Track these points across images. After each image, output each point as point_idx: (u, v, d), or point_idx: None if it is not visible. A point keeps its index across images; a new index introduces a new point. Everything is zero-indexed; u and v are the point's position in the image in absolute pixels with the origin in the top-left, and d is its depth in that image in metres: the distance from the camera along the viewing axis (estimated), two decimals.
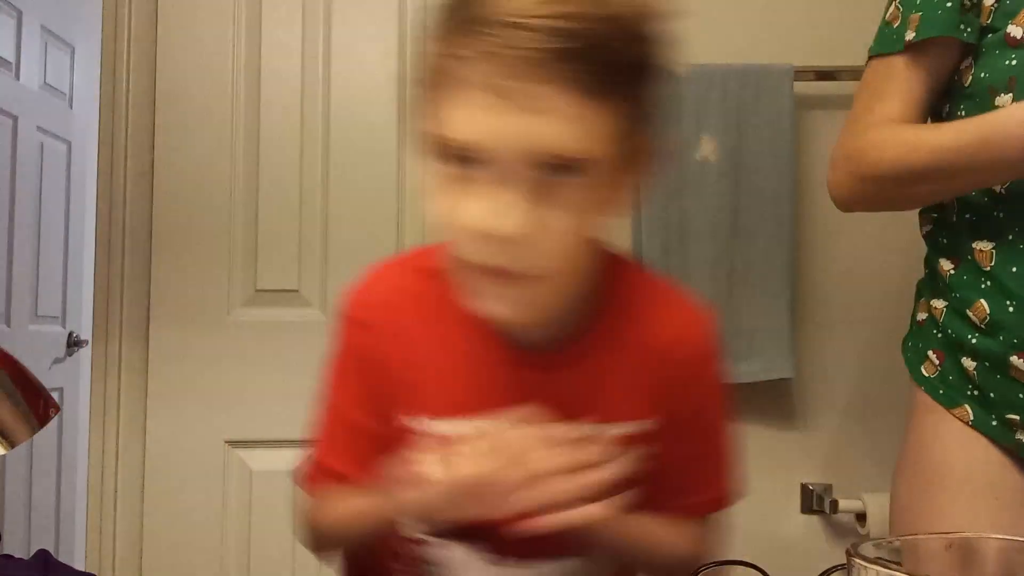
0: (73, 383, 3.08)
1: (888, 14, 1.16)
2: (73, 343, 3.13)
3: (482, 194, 0.72)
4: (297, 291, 1.79)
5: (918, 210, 1.24)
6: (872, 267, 1.80)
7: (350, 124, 1.76)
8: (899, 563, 0.51)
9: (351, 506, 0.86)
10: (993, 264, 1.08)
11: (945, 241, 1.17)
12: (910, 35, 1.11)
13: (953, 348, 1.15)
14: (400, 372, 0.85)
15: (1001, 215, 1.07)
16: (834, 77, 1.77)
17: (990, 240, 1.09)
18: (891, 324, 1.81)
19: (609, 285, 0.86)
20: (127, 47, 1.75)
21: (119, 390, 1.76)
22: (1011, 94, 1.04)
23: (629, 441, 0.84)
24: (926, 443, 1.17)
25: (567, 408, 0.80)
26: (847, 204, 1.20)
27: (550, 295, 0.78)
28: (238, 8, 1.75)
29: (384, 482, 0.79)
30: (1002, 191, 1.07)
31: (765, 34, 1.81)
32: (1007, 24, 1.05)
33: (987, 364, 1.10)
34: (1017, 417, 1.09)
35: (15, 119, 2.76)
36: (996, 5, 1.07)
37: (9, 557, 1.01)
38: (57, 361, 3.05)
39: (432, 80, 0.75)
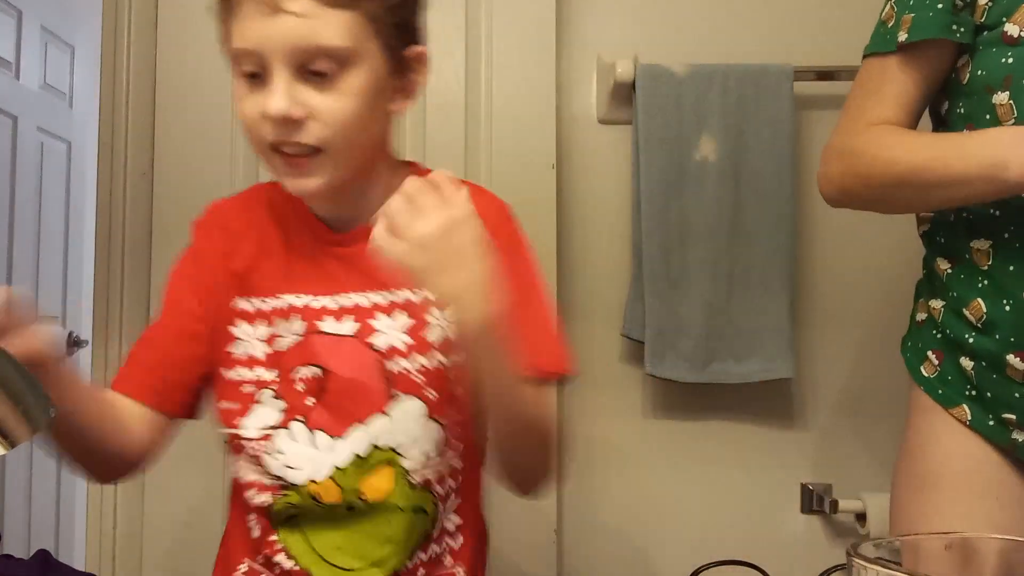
0: None
1: (883, 13, 1.16)
2: (73, 343, 3.13)
3: (263, 88, 0.91)
4: None
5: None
6: (872, 267, 1.80)
7: None
8: (899, 563, 0.51)
9: None
10: (991, 263, 1.08)
11: (942, 240, 1.17)
12: (903, 36, 1.11)
13: (952, 348, 1.15)
14: (236, 263, 1.02)
15: (998, 213, 1.07)
16: (834, 77, 1.76)
17: (987, 239, 1.09)
18: (891, 324, 1.80)
19: (408, 178, 0.96)
20: (127, 47, 1.75)
21: None
22: (1007, 92, 1.04)
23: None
24: (925, 443, 1.17)
25: (374, 277, 0.96)
26: (837, 200, 1.20)
27: (333, 166, 0.94)
28: None
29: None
30: None
31: (765, 34, 1.81)
32: (1003, 22, 1.05)
33: (984, 363, 1.10)
34: (1013, 416, 1.09)
35: (15, 119, 2.76)
36: (990, 3, 1.07)
37: (9, 557, 1.01)
38: None
39: (220, 6, 0.94)
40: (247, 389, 1.00)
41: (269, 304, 1.01)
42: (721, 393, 1.75)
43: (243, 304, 1.02)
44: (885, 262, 1.81)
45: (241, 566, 1.03)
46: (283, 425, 0.99)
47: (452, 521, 1.04)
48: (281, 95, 0.90)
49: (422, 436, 0.98)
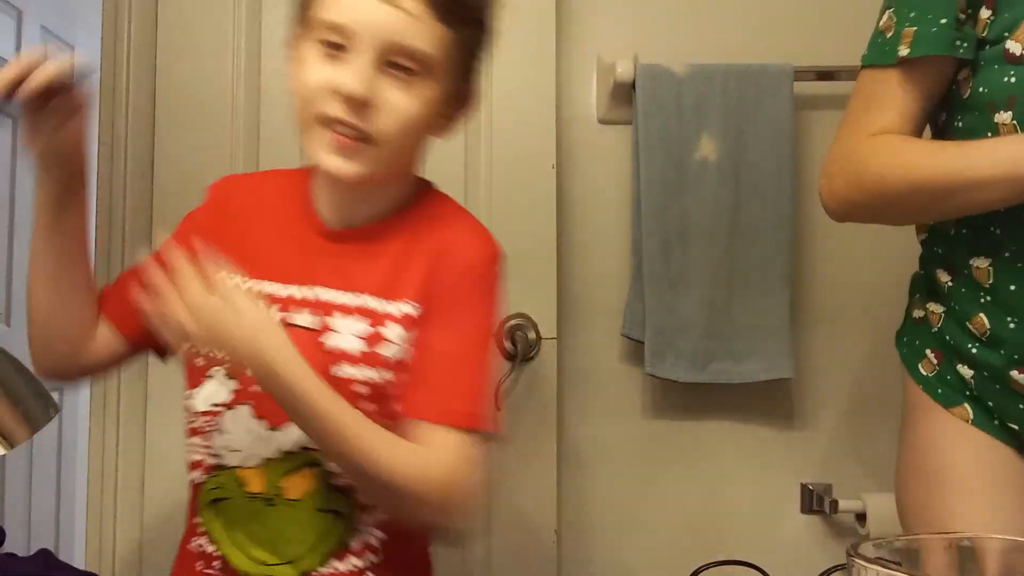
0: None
1: (882, 22, 1.13)
2: None
3: (340, 64, 0.93)
4: None
5: None
6: (872, 267, 1.80)
7: None
8: (899, 563, 0.51)
9: None
10: (992, 282, 1.07)
11: (940, 252, 1.15)
12: (904, 50, 1.08)
13: (951, 352, 1.14)
14: (220, 240, 1.00)
15: (998, 231, 1.06)
16: (834, 77, 1.76)
17: (987, 256, 1.07)
18: (891, 324, 1.80)
19: (416, 197, 1.06)
20: (127, 47, 1.75)
21: (119, 390, 1.76)
22: (1010, 112, 1.02)
23: (400, 321, 0.99)
24: (932, 442, 1.15)
25: (349, 278, 1.00)
26: (843, 213, 1.17)
27: (376, 161, 0.96)
28: (238, 8, 1.74)
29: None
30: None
31: (765, 34, 1.81)
32: (1005, 38, 1.03)
33: (986, 374, 1.09)
34: (1016, 427, 1.08)
35: (15, 119, 2.76)
36: (993, 18, 1.04)
37: (12, 556, 1.01)
38: None
39: None
40: (200, 363, 1.02)
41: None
42: (721, 393, 1.75)
43: None
44: (885, 262, 1.80)
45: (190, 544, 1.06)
46: (230, 405, 1.01)
47: (376, 536, 1.01)
48: (363, 77, 0.92)
49: None
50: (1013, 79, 1.01)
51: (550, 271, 1.70)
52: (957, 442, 1.12)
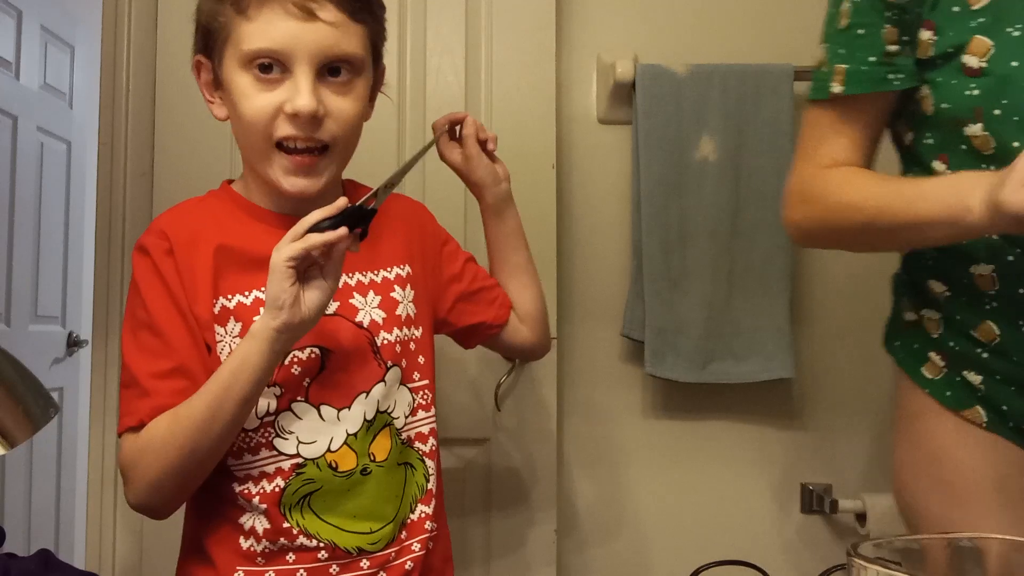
0: (73, 383, 3.08)
1: (818, 57, 1.13)
2: (73, 343, 3.13)
3: (284, 87, 0.98)
4: None
5: None
6: (872, 267, 1.80)
7: None
8: (899, 563, 0.51)
9: (203, 397, 0.98)
10: (998, 288, 1.05)
11: (931, 262, 1.13)
12: (837, 88, 1.08)
13: (958, 358, 1.11)
14: (196, 272, 1.02)
15: (996, 236, 1.03)
16: None
17: (988, 263, 1.05)
18: None
19: (343, 184, 1.15)
20: (127, 47, 1.75)
21: (119, 390, 1.76)
22: (979, 124, 1.00)
23: (397, 282, 1.11)
24: (946, 453, 1.11)
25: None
26: (803, 243, 1.22)
27: (332, 166, 1.04)
28: None
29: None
30: None
31: (765, 34, 1.81)
32: (957, 54, 1.01)
33: (998, 378, 1.07)
34: None
35: (15, 119, 2.76)
36: (935, 37, 1.03)
37: (12, 556, 1.01)
38: (57, 361, 3.05)
39: (235, 6, 0.99)
40: None
41: (249, 298, 1.03)
42: (721, 393, 1.75)
43: (220, 305, 1.03)
44: (885, 262, 1.80)
45: (236, 575, 1.03)
46: (283, 408, 1.03)
47: (433, 481, 1.13)
48: (309, 94, 0.98)
49: (400, 399, 1.09)
50: (976, 91, 1.00)
51: (550, 271, 1.70)
52: (975, 451, 1.09)
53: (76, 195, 3.15)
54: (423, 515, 1.10)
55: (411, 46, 1.73)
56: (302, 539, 1.03)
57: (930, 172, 1.08)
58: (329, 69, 1.00)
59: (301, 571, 1.03)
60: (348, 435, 1.04)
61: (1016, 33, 0.99)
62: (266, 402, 1.02)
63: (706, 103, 1.72)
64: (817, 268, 1.80)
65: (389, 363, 1.08)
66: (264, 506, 1.02)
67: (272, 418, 1.03)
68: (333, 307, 1.05)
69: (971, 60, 1.01)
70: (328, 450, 1.03)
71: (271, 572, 1.03)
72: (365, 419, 1.05)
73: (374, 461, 1.06)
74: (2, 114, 2.71)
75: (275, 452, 1.03)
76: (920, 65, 1.06)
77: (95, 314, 1.77)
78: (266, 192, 1.08)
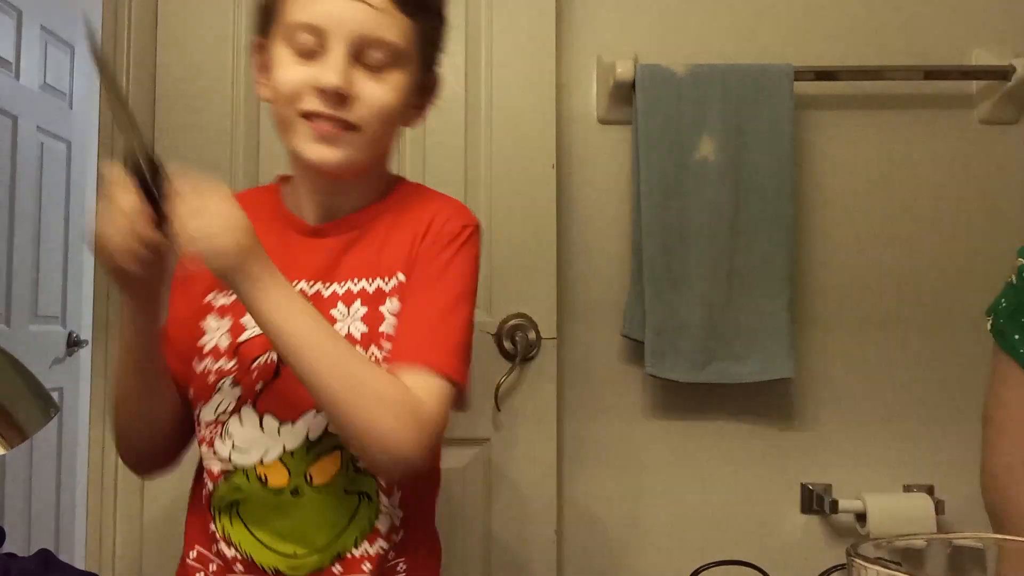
0: (73, 383, 3.08)
1: None
2: (73, 343, 3.13)
3: (318, 63, 0.97)
4: None
5: None
6: (872, 267, 1.80)
7: None
8: (899, 563, 0.51)
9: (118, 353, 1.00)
10: None
11: None
12: None
13: None
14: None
15: None
16: (834, 77, 1.77)
17: None
18: (890, 324, 1.81)
19: (393, 189, 1.10)
20: (127, 47, 1.75)
21: None
22: None
23: (390, 294, 1.03)
24: None
25: (339, 268, 1.04)
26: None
27: (357, 148, 1.00)
28: (237, 7, 1.75)
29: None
30: None
31: (765, 34, 1.81)
32: None
33: None
34: None
35: (15, 119, 2.76)
36: None
37: (12, 556, 1.01)
38: (57, 361, 3.05)
39: None
40: (211, 379, 1.03)
41: (233, 297, 1.02)
42: (721, 393, 1.75)
43: (211, 298, 1.06)
44: (885, 262, 1.81)
45: (192, 552, 1.08)
46: (235, 410, 1.02)
47: (397, 515, 1.04)
48: (340, 71, 0.96)
49: None
50: None
51: (550, 271, 1.70)
52: None
53: (76, 195, 3.15)
54: (365, 555, 1.01)
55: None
56: (222, 545, 1.03)
57: None
58: (368, 53, 0.99)
59: None
60: (284, 451, 1.00)
61: None
62: (226, 398, 1.02)
63: (706, 103, 1.72)
64: (817, 268, 1.80)
65: None
66: (204, 503, 1.05)
67: (225, 418, 1.02)
68: None
69: None
70: (260, 462, 1.00)
71: (200, 571, 1.06)
72: (308, 438, 1.00)
73: (310, 484, 1.00)
74: (2, 114, 2.71)
75: (213, 452, 1.03)
76: None
77: (95, 314, 1.77)
78: (301, 195, 1.07)
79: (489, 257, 1.64)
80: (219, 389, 1.03)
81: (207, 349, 1.04)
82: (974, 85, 1.82)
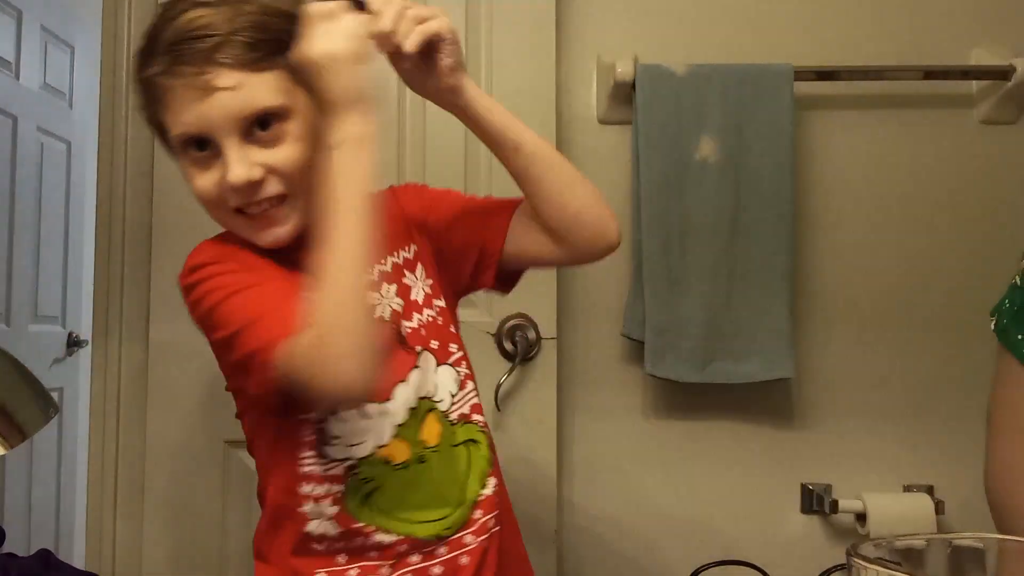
0: (73, 383, 3.08)
1: None
2: (73, 343, 3.13)
3: (219, 162, 0.97)
4: None
5: None
6: (872, 267, 1.81)
7: None
8: (899, 563, 0.51)
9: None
10: None
11: None
12: None
13: None
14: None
15: None
16: (834, 77, 1.77)
17: None
18: (891, 324, 1.81)
19: None
20: (127, 47, 1.75)
21: (119, 390, 1.76)
22: None
23: (405, 265, 1.10)
24: None
25: None
26: None
27: (300, 209, 1.01)
28: None
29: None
30: None
31: (765, 34, 1.81)
32: None
33: None
34: None
35: (15, 119, 2.76)
36: None
37: (12, 556, 1.01)
38: (57, 361, 3.05)
39: (149, 98, 1.00)
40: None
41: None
42: (721, 393, 1.75)
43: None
44: (885, 262, 1.81)
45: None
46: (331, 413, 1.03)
47: (494, 455, 1.13)
48: (239, 164, 0.96)
49: (441, 381, 1.09)
50: None
51: (550, 271, 1.70)
52: None
53: (76, 195, 3.15)
54: (495, 490, 1.10)
55: None
56: (380, 535, 1.03)
57: None
58: (259, 124, 0.97)
59: (385, 568, 1.04)
60: (396, 427, 1.04)
61: None
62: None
63: (706, 103, 1.72)
64: (817, 268, 1.80)
65: (418, 348, 1.08)
66: (335, 509, 1.02)
67: (314, 424, 1.02)
68: None
69: None
70: (379, 445, 1.03)
71: (354, 569, 1.04)
72: (409, 407, 1.05)
73: (427, 448, 1.06)
74: (2, 114, 2.71)
75: (326, 459, 1.02)
76: None
77: (95, 314, 1.77)
78: None
79: None
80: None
81: None
82: (974, 85, 1.82)
